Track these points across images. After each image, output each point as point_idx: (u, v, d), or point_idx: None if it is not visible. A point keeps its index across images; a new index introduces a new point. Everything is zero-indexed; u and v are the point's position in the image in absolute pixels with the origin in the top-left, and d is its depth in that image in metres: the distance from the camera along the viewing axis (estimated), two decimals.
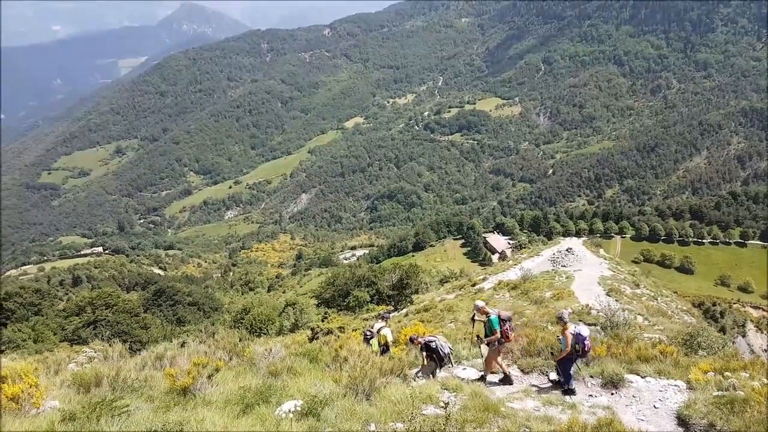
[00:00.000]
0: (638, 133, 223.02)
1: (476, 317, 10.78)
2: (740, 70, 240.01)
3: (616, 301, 29.62)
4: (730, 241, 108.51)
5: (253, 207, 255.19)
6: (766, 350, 73.75)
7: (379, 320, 12.64)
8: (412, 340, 11.23)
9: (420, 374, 10.62)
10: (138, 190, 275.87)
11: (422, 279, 46.17)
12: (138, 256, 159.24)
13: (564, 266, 44.44)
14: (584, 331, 10.01)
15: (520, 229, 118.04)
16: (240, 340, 12.70)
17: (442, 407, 7.98)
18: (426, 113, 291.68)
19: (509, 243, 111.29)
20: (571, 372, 10.14)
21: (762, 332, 79.22)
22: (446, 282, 51.20)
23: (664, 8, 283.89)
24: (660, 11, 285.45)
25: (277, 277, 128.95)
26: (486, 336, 10.51)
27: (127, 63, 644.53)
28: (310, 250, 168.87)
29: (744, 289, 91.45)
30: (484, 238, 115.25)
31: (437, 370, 10.32)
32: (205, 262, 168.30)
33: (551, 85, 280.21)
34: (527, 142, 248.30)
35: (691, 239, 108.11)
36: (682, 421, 8.93)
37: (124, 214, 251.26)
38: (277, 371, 9.57)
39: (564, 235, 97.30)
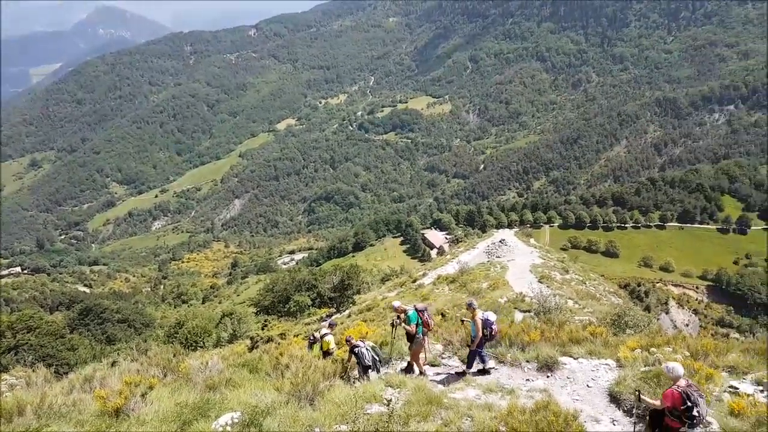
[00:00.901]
0: (561, 126, 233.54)
1: (396, 322, 10.99)
2: (653, 63, 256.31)
3: (547, 287, 30.84)
4: (651, 224, 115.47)
5: (182, 216, 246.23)
6: (687, 325, 79.42)
7: (325, 326, 12.61)
8: (347, 341, 11.30)
9: (362, 376, 10.65)
10: (57, 205, 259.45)
11: (363, 279, 46.20)
12: (60, 274, 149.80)
13: (498, 257, 45.81)
14: (491, 316, 10.49)
15: (456, 224, 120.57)
16: (174, 355, 12.20)
17: (386, 405, 8.01)
18: (359, 113, 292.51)
19: (446, 238, 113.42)
20: (483, 354, 10.67)
21: (683, 308, 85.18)
22: (387, 280, 51.51)
23: (582, 5, 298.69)
24: (578, 8, 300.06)
25: (211, 287, 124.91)
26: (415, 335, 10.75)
27: (40, 71, 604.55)
28: (246, 257, 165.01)
29: (665, 268, 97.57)
30: (423, 234, 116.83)
31: (364, 376, 10.39)
32: (134, 276, 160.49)
33: (479, 83, 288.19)
34: (459, 139, 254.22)
35: (614, 224, 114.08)
36: (613, 397, 9.41)
37: (43, 231, 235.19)
38: (215, 384, 9.33)
39: (497, 228, 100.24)
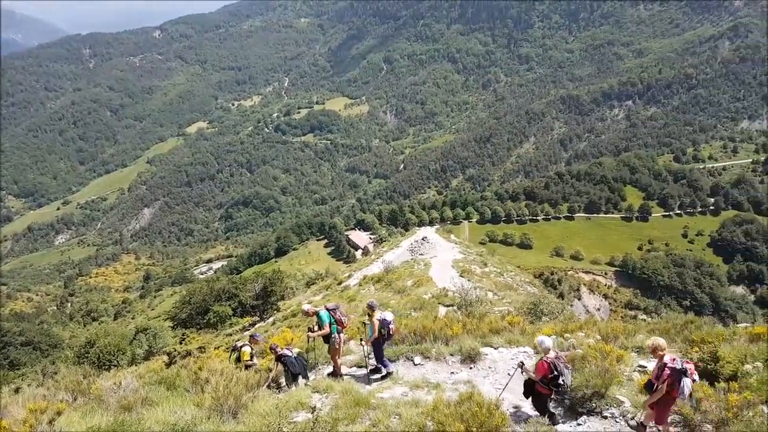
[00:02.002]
0: (475, 125, 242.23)
1: (310, 335, 10.83)
2: (557, 62, 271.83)
3: (468, 281, 31.73)
4: (560, 216, 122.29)
5: (87, 228, 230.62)
6: (598, 309, 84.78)
7: (248, 338, 12.25)
8: (272, 349, 11.02)
9: (290, 383, 10.45)
10: None
11: (287, 284, 45.41)
12: None
13: (421, 254, 46.64)
14: (388, 316, 10.59)
15: (379, 224, 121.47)
16: (85, 376, 11.33)
17: (311, 412, 7.88)
18: (275, 114, 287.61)
19: (371, 238, 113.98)
20: (383, 355, 10.74)
21: (594, 294, 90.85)
22: (313, 284, 50.95)
23: (488, 7, 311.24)
24: (485, 10, 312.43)
25: (123, 302, 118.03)
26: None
27: None
28: (160, 268, 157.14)
29: (575, 257, 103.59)
30: (347, 235, 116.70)
31: (293, 384, 10.22)
32: (37, 295, 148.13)
33: (394, 84, 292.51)
34: (378, 140, 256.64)
35: (527, 218, 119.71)
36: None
37: None
38: (131, 405, 8.83)
39: (419, 225, 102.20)
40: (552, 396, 8.09)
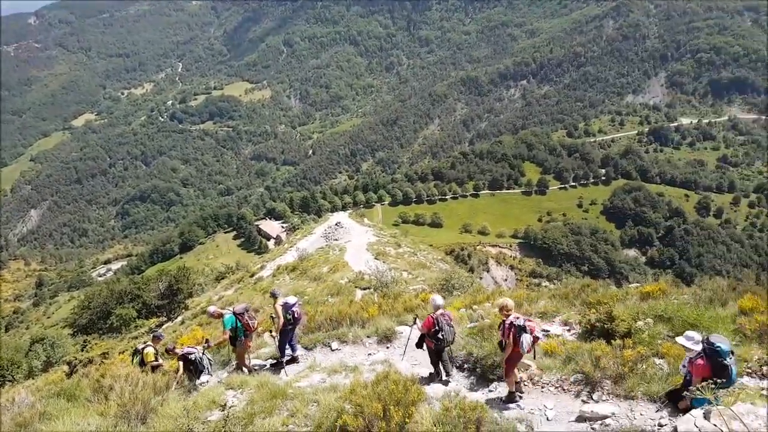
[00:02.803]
0: (381, 108, 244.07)
1: (209, 344, 10.59)
2: (455, 44, 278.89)
3: (383, 263, 32.13)
4: (467, 194, 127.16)
5: None
6: (506, 279, 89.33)
7: (150, 339, 11.64)
8: (168, 351, 10.52)
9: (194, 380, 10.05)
10: None
11: (195, 281, 43.63)
12: None
13: (336, 240, 46.61)
14: (291, 300, 10.54)
15: (291, 212, 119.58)
16: None
17: (222, 409, 7.62)
18: (170, 102, 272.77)
19: (283, 227, 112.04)
20: (293, 342, 10.66)
21: (501, 265, 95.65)
22: (223, 278, 49.26)
23: None
24: None
25: (15, 312, 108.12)
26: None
27: None
28: (54, 273, 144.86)
29: (482, 232, 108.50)
30: (257, 225, 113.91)
31: (204, 382, 9.86)
32: None
33: (296, 67, 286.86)
34: (283, 125, 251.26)
35: (436, 197, 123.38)
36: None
37: None
38: (27, 421, 8.31)
39: (332, 211, 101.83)
40: (440, 350, 8.85)
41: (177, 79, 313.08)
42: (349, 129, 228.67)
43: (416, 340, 9.14)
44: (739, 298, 10.06)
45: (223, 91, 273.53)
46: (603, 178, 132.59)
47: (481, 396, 8.36)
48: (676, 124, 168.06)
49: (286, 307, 10.28)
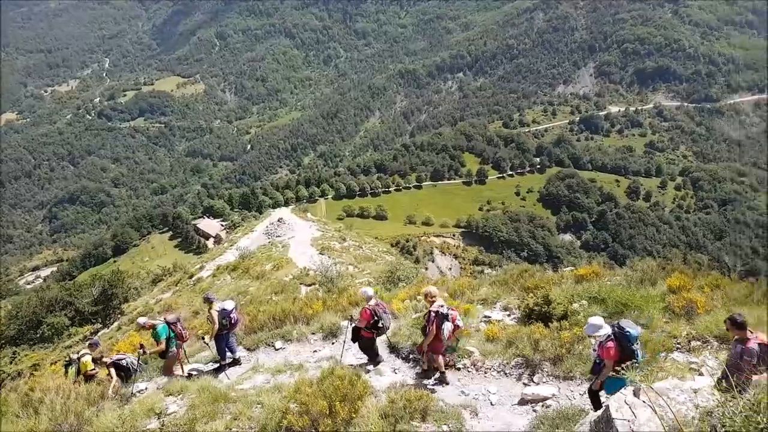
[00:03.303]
0: (320, 101, 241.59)
1: (142, 352, 10.23)
2: (392, 37, 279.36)
3: (328, 257, 32.03)
4: (410, 185, 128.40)
5: None
6: (450, 268, 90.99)
7: (86, 346, 11.06)
8: (95, 360, 10.07)
9: (140, 390, 9.64)
10: None
11: (131, 284, 41.99)
12: None
13: (279, 236, 45.99)
14: (228, 305, 10.32)
15: (231, 209, 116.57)
16: None
17: (158, 417, 7.35)
18: (97, 99, 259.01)
19: (222, 225, 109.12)
20: (232, 345, 10.45)
21: (445, 255, 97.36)
22: (160, 281, 47.50)
23: None
24: None
25: None
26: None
27: None
28: None
29: (427, 223, 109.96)
30: (195, 225, 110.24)
31: (130, 385, 9.51)
32: None
33: (230, 61, 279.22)
34: (219, 120, 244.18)
35: (380, 190, 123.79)
36: (393, 348, 10.10)
37: None
38: None
39: (274, 207, 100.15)
40: (375, 338, 9.14)
41: (104, 75, 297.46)
42: (288, 123, 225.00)
43: (352, 335, 9.34)
44: (667, 277, 10.62)
45: (154, 86, 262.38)
46: (538, 166, 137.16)
47: (427, 385, 8.44)
48: (605, 112, 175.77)
49: (223, 313, 10.04)
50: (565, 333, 8.53)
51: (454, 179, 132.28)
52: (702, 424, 3.05)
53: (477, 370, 8.73)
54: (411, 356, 9.62)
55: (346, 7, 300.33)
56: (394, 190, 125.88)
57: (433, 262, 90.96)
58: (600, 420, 3.79)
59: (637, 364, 5.98)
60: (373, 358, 9.32)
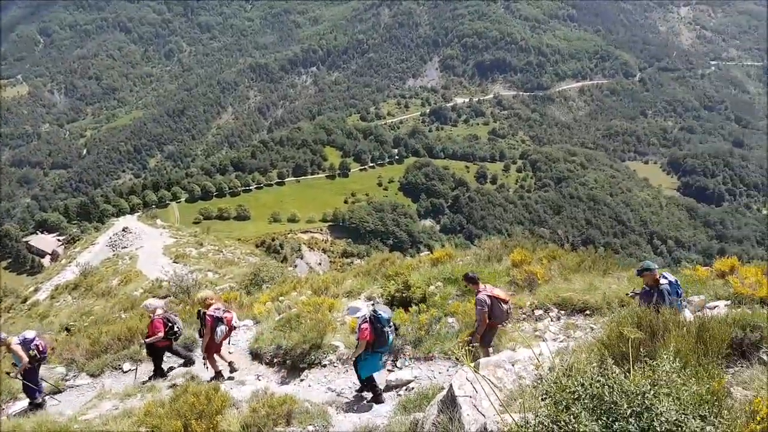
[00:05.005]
0: (164, 98, 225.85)
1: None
2: (239, 30, 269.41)
3: (184, 265, 30.15)
4: (272, 182, 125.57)
5: None
6: (320, 263, 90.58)
7: None
8: None
9: None
10: None
11: None
12: None
13: (125, 248, 42.33)
14: (29, 334, 9.03)
15: (68, 222, 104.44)
16: None
17: None
18: None
19: (59, 240, 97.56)
20: (39, 381, 9.10)
21: (313, 250, 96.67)
22: None
23: None
24: None
25: None
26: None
27: None
28: None
29: (292, 219, 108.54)
30: (27, 242, 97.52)
31: None
32: None
33: (58, 59, 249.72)
34: (48, 124, 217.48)
35: (240, 189, 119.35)
36: (255, 354, 9.69)
37: None
38: None
39: (118, 216, 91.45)
40: (170, 345, 9.31)
41: None
42: (129, 123, 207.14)
43: (147, 350, 9.43)
44: (510, 253, 11.47)
45: None
46: (396, 157, 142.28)
47: (291, 388, 8.21)
48: (452, 103, 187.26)
49: (25, 343, 8.74)
50: (423, 315, 8.80)
51: (318, 173, 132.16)
52: (535, 390, 3.25)
53: (343, 364, 8.68)
54: (275, 360, 9.31)
55: (188, 0, 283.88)
56: (255, 188, 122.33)
57: (301, 259, 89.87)
58: (446, 398, 3.91)
59: (385, 348, 7.11)
60: (158, 366, 9.39)
